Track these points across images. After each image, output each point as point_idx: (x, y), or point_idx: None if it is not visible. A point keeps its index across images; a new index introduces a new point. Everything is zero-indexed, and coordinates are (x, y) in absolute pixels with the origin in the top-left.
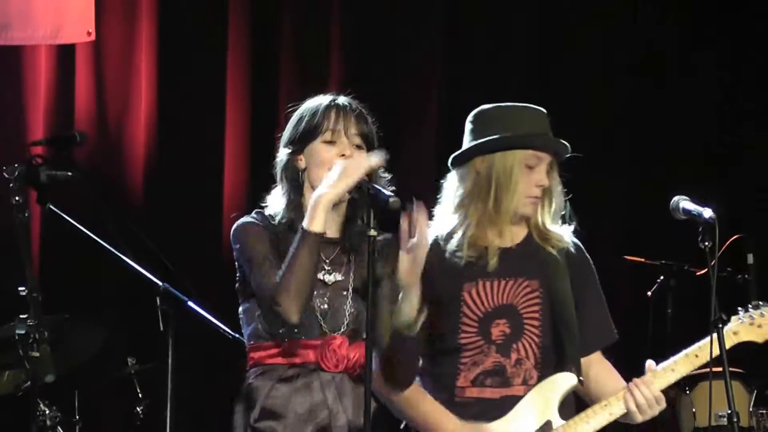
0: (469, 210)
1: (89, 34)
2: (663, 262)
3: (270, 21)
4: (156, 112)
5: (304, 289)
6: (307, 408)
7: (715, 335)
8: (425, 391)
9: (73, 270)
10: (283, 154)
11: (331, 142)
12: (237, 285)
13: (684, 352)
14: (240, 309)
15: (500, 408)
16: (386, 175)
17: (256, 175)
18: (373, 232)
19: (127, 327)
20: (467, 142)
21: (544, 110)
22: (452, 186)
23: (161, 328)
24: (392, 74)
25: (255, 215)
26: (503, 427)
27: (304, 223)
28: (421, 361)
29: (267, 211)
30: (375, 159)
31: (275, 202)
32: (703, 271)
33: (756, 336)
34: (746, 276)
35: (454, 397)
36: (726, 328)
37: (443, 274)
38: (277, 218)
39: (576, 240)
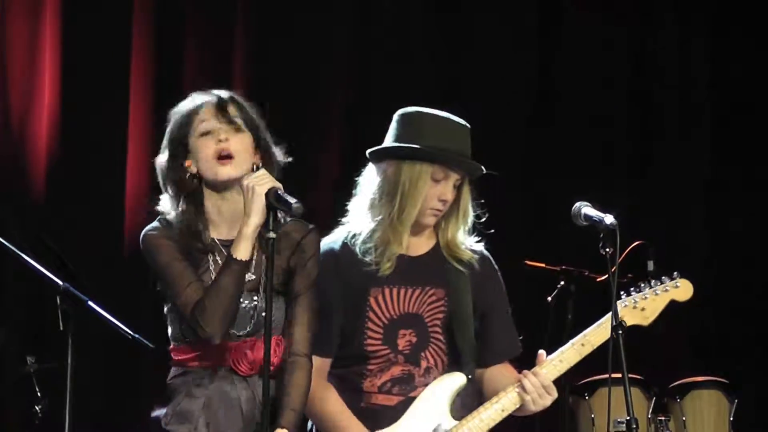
0: (377, 211)
1: None
2: (563, 267)
3: (175, 20)
4: (59, 110)
5: (229, 315)
6: (221, 411)
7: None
8: (332, 390)
9: None
10: (162, 160)
11: (206, 133)
12: (158, 287)
13: (571, 342)
14: (165, 309)
15: (402, 413)
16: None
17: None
18: (272, 235)
19: (27, 326)
20: (387, 141)
21: (467, 125)
22: (368, 180)
23: (61, 328)
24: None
25: (158, 222)
26: None
27: (231, 250)
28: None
29: (169, 217)
30: (265, 177)
31: (170, 210)
32: (603, 278)
33: (639, 319)
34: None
35: (360, 401)
36: (609, 314)
37: (351, 276)
38: (175, 224)
39: (486, 252)
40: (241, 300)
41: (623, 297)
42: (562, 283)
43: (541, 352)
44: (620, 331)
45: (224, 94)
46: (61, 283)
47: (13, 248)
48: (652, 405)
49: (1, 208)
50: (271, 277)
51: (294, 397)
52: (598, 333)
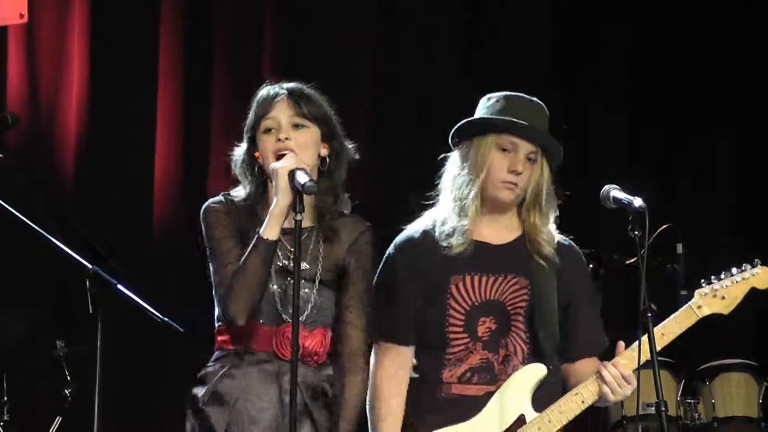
0: (455, 192)
1: (22, 16)
2: (592, 250)
3: (204, 7)
4: (87, 96)
5: (252, 295)
6: (260, 395)
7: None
8: (400, 391)
9: (2, 251)
10: (238, 152)
11: (269, 131)
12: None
13: (681, 313)
14: (213, 290)
15: (483, 405)
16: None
17: (187, 161)
18: (299, 217)
19: (57, 310)
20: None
21: (541, 103)
22: (449, 165)
23: (90, 311)
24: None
25: (222, 197)
26: (479, 423)
27: (261, 229)
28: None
29: (235, 196)
30: (291, 159)
31: (239, 190)
32: (632, 260)
33: (720, 308)
34: (675, 266)
35: (440, 392)
36: (691, 303)
37: (433, 263)
38: (238, 204)
39: (570, 243)
40: (287, 284)
41: (703, 285)
42: (591, 266)
43: (620, 342)
44: (649, 314)
45: (292, 87)
46: (90, 266)
47: (43, 232)
48: (681, 387)
49: (31, 195)
50: (298, 257)
51: (348, 410)
52: (676, 324)
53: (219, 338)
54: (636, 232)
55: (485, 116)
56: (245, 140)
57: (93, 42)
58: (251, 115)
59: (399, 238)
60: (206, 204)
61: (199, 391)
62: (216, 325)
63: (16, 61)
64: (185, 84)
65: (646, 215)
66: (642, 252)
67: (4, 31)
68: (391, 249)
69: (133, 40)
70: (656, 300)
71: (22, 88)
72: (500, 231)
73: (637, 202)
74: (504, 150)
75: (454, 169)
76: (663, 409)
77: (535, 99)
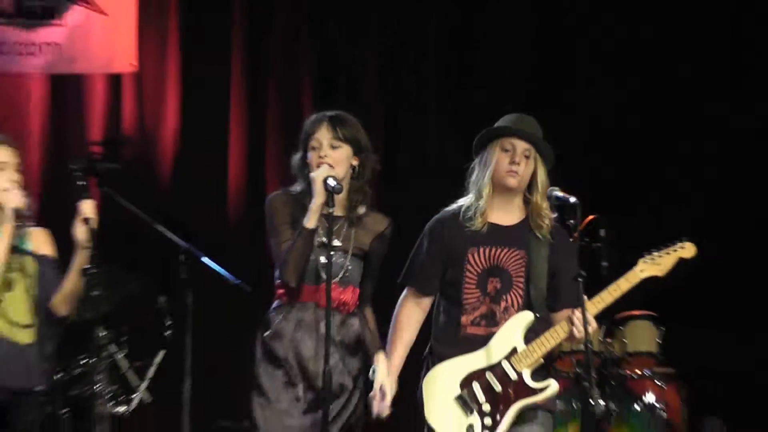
0: (477, 188)
1: (132, 65)
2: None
3: (261, 63)
4: (179, 122)
5: (299, 266)
6: (305, 332)
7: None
8: (413, 325)
9: (121, 234)
10: (295, 158)
11: (313, 148)
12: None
13: (606, 288)
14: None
15: (488, 341)
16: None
17: (251, 168)
18: (330, 210)
19: (160, 276)
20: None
21: (531, 117)
22: (473, 168)
23: (183, 276)
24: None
25: (283, 191)
26: (485, 353)
27: (304, 222)
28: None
29: (293, 191)
30: (324, 169)
31: (296, 187)
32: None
33: (656, 271)
34: (599, 244)
35: (459, 332)
36: (635, 267)
37: (455, 238)
38: (295, 197)
39: (562, 228)
40: (334, 259)
41: (645, 255)
42: None
43: (584, 297)
44: (580, 279)
45: (332, 114)
46: (183, 243)
47: (149, 220)
48: (603, 331)
49: (141, 193)
50: (330, 239)
51: (372, 332)
52: (624, 283)
53: (278, 292)
54: (572, 221)
55: (495, 128)
56: (300, 149)
57: (183, 83)
58: (302, 135)
59: (437, 216)
60: (271, 196)
61: (265, 331)
62: (276, 282)
63: (129, 98)
64: (249, 113)
65: (578, 208)
66: (576, 234)
67: (119, 77)
68: (430, 223)
69: (212, 83)
70: (587, 269)
71: (133, 117)
72: (507, 215)
73: (572, 199)
74: (506, 150)
75: (475, 169)
76: (589, 344)
77: (529, 116)
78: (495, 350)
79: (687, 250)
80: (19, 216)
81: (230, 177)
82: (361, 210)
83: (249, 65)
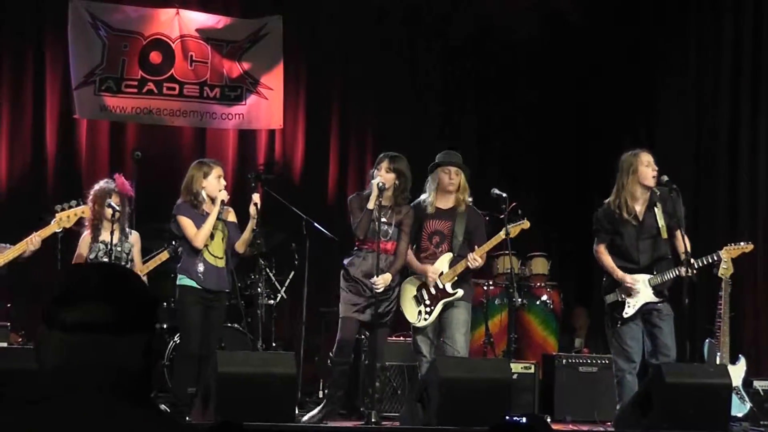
0: (429, 189)
1: (279, 125)
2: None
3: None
4: (303, 155)
5: (365, 229)
6: (369, 269)
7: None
8: (413, 257)
9: (271, 213)
10: (372, 173)
11: (378, 170)
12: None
13: (492, 239)
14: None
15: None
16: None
17: (339, 182)
18: (380, 200)
19: (294, 234)
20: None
21: (455, 151)
22: (429, 180)
23: (304, 233)
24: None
25: (357, 194)
26: (433, 269)
27: (368, 204)
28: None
29: (364, 193)
30: (376, 179)
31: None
32: (501, 216)
33: (518, 231)
34: (507, 216)
35: (421, 261)
36: (501, 231)
37: (420, 215)
38: (363, 196)
39: (475, 208)
40: (384, 225)
41: (510, 225)
42: (488, 218)
43: (477, 246)
44: (508, 235)
45: (390, 154)
46: (305, 217)
47: (303, 216)
48: (519, 263)
49: (282, 191)
50: (379, 217)
51: (395, 265)
52: (496, 238)
53: (355, 243)
54: (503, 206)
55: (436, 161)
56: (374, 171)
57: (306, 132)
58: (377, 162)
59: (414, 202)
60: (350, 197)
61: (346, 269)
62: (355, 241)
63: (278, 141)
64: (340, 147)
65: (507, 199)
66: (504, 214)
67: (273, 130)
68: (411, 205)
69: (319, 131)
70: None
71: (280, 151)
72: (445, 203)
73: (504, 194)
74: (445, 173)
75: (430, 181)
76: (512, 272)
77: (454, 150)
78: (435, 271)
79: (525, 224)
80: (222, 203)
81: (329, 184)
82: (399, 204)
83: (347, 123)
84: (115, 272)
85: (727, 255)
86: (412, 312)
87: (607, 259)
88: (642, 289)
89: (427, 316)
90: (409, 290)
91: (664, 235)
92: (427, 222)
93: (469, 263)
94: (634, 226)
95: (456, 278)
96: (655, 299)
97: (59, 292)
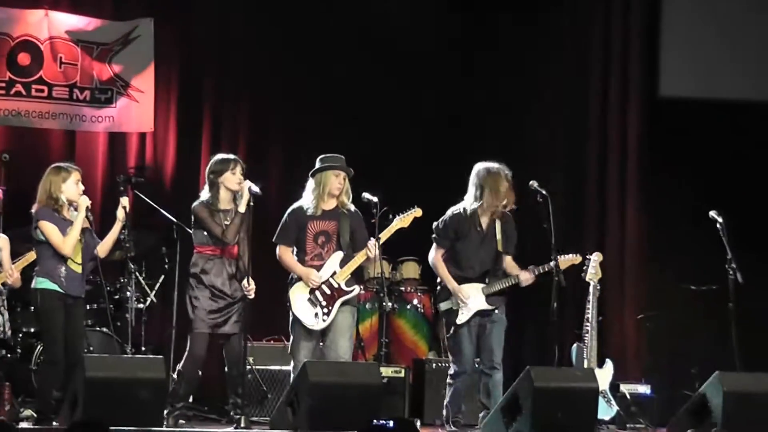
0: (311, 193)
1: (150, 128)
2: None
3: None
4: (175, 159)
5: (235, 235)
6: (227, 275)
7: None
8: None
9: (142, 215)
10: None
11: (232, 173)
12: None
13: (391, 225)
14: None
15: (320, 269)
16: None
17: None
18: (245, 208)
19: (164, 238)
20: (317, 164)
21: (342, 156)
22: (311, 182)
23: (176, 237)
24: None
25: (201, 200)
26: (320, 275)
27: (239, 208)
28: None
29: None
30: (249, 183)
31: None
32: (373, 221)
33: (401, 225)
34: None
35: (305, 265)
36: (397, 219)
37: (304, 217)
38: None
39: (356, 209)
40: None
41: (396, 217)
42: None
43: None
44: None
45: (238, 158)
46: (174, 220)
47: (158, 209)
48: (391, 266)
49: (153, 195)
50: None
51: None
52: (387, 233)
53: (198, 249)
54: (374, 210)
55: (326, 165)
56: (228, 174)
57: (178, 135)
58: (227, 165)
59: (293, 206)
60: (195, 205)
61: (199, 276)
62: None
63: (149, 145)
64: (211, 150)
65: (378, 204)
66: (375, 219)
67: (144, 133)
68: (290, 209)
69: (195, 134)
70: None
71: (151, 155)
72: (330, 205)
73: (375, 198)
74: (336, 176)
75: (314, 185)
76: (383, 276)
77: (339, 154)
78: (325, 272)
79: (416, 212)
80: (87, 208)
81: (201, 188)
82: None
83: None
84: None
85: (563, 265)
86: (308, 315)
87: (443, 268)
88: (475, 296)
89: (325, 317)
90: (301, 294)
91: (500, 248)
92: (310, 223)
93: (368, 252)
94: (478, 233)
95: (350, 276)
96: (488, 306)
97: None
